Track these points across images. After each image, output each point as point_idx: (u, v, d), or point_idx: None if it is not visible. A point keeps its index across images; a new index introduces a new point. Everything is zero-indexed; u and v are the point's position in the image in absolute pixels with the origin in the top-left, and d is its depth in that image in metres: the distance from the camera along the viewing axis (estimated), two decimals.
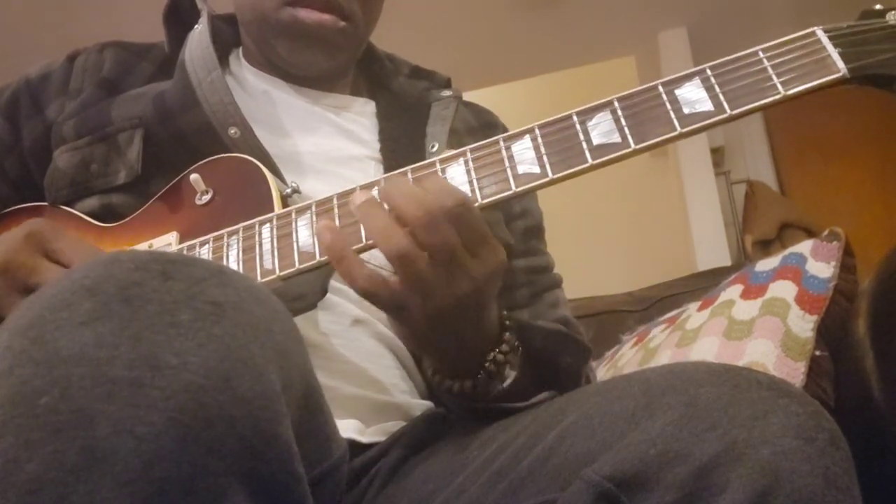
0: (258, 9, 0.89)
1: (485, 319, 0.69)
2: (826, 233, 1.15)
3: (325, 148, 0.89)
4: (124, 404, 0.40)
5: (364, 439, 0.78)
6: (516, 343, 0.73)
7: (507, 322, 0.73)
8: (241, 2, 0.93)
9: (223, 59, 0.96)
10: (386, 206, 0.64)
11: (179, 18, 0.94)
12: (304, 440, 0.50)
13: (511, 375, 0.71)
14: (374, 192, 0.67)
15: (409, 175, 0.69)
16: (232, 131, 0.82)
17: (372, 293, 0.64)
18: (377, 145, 0.91)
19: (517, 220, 0.94)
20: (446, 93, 0.96)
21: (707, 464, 0.48)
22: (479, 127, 0.99)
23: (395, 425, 0.81)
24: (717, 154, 3.33)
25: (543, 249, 0.99)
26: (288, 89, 0.93)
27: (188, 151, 0.83)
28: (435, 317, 0.64)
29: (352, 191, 0.70)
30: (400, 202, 0.62)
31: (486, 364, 0.70)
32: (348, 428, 0.77)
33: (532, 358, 0.75)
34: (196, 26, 0.90)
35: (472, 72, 3.16)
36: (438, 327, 0.66)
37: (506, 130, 1.02)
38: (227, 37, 0.98)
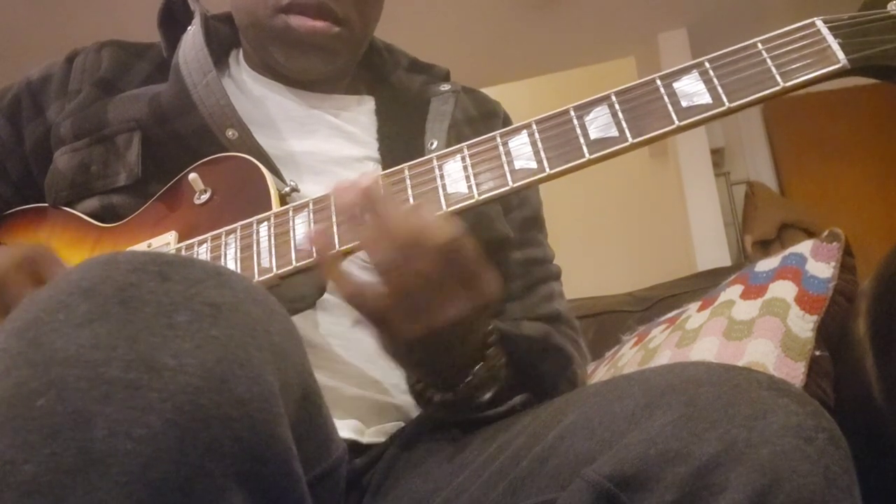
0: (253, 15, 0.88)
1: (469, 342, 0.69)
2: (826, 233, 1.14)
3: (323, 149, 0.89)
4: (121, 406, 0.40)
5: (364, 440, 0.78)
6: (502, 360, 0.73)
7: (492, 337, 0.72)
8: (237, 7, 0.92)
9: (222, 60, 0.95)
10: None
11: (175, 21, 0.93)
12: (303, 441, 0.50)
13: (493, 387, 0.72)
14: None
15: (407, 173, 0.69)
16: (230, 133, 0.82)
17: (355, 300, 0.64)
18: (375, 145, 0.91)
19: (515, 210, 0.93)
20: (445, 87, 0.95)
21: (707, 463, 0.48)
22: (480, 116, 0.98)
23: (394, 426, 0.81)
24: (717, 155, 3.33)
25: (542, 240, 0.97)
26: (287, 92, 0.92)
27: (187, 153, 0.82)
28: (415, 335, 0.64)
29: None
30: (392, 225, 0.62)
31: (468, 378, 0.70)
32: (348, 428, 0.77)
33: (512, 365, 0.75)
34: (189, 28, 0.89)
35: (472, 72, 3.15)
36: (418, 345, 0.65)
37: (507, 119, 1.01)
38: (224, 37, 0.97)
